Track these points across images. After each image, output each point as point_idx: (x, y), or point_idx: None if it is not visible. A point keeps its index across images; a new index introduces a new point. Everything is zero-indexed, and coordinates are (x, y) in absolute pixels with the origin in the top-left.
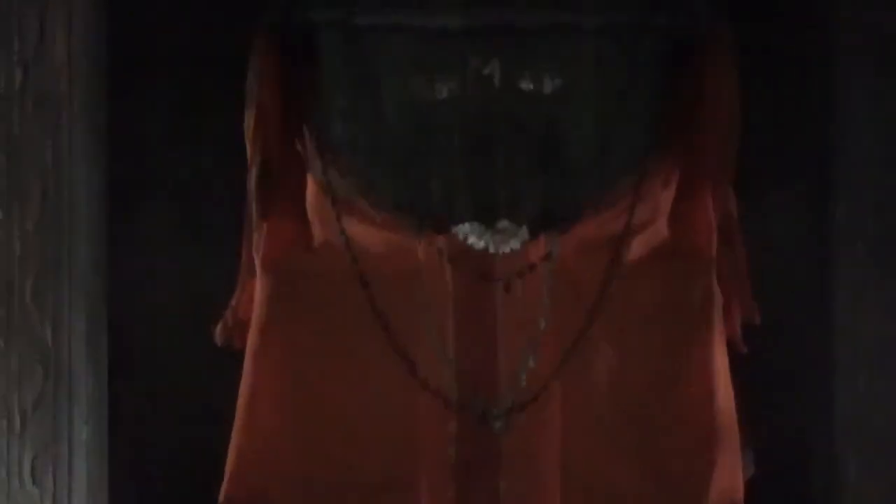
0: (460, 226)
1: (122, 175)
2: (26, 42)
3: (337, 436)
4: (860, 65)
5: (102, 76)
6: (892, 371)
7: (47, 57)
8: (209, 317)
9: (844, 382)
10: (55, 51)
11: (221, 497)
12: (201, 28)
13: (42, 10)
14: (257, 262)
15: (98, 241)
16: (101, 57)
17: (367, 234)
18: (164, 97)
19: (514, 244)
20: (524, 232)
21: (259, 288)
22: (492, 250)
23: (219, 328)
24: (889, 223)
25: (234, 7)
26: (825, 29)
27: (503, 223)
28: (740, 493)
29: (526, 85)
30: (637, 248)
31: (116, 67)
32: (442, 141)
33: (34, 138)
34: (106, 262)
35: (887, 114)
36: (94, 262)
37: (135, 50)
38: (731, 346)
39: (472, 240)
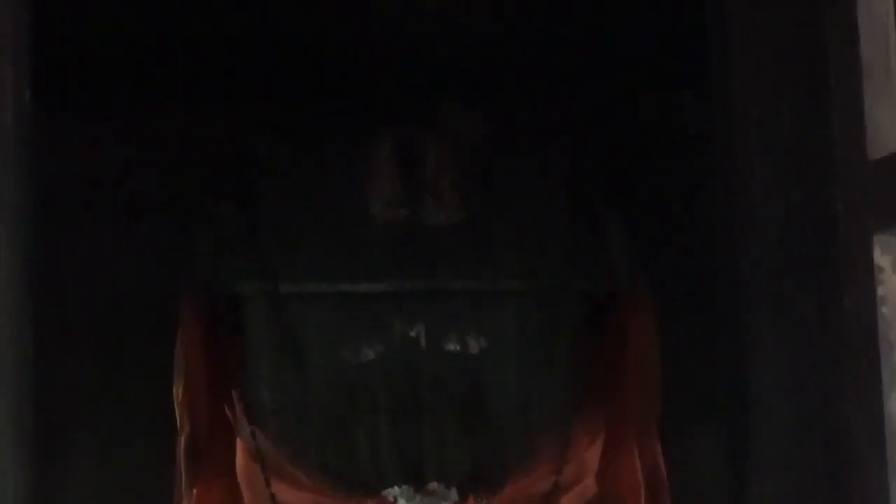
0: (390, 489)
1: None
2: None
3: None
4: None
5: (27, 334)
6: None
7: None
8: None
9: None
10: None
11: None
12: (127, 288)
13: None
14: None
15: None
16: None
17: (297, 498)
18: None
19: None
20: (454, 493)
21: None
22: None
23: None
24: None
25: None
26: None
27: (433, 485)
28: None
29: (452, 346)
30: None
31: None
32: (369, 404)
33: None
34: None
35: (796, 386)
36: None
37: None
38: None
39: (402, 503)
